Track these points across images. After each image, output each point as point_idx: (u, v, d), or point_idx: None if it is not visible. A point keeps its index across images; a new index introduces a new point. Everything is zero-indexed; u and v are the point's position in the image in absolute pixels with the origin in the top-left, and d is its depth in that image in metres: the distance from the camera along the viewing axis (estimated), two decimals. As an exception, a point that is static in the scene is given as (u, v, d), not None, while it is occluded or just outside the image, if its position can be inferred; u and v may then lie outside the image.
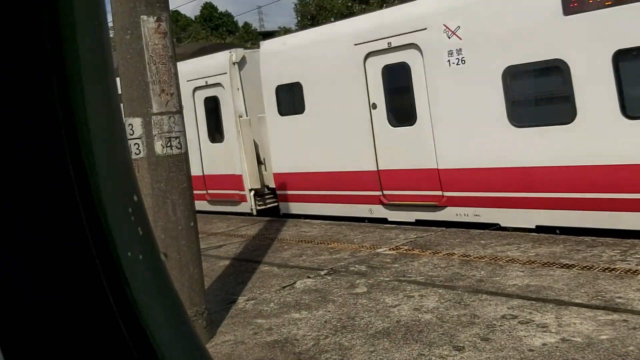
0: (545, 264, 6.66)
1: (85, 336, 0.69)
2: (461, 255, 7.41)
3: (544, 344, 4.55)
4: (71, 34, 0.68)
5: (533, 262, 6.76)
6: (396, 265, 7.29)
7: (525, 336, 4.74)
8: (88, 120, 0.69)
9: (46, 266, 0.68)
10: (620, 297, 5.34)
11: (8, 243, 0.67)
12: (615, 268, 6.21)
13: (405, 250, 8.01)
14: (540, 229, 8.26)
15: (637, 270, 6.07)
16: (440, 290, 6.11)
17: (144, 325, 0.71)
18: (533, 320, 5.04)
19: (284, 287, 6.93)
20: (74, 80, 0.69)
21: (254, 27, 54.65)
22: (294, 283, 7.03)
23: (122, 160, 0.76)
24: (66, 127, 0.68)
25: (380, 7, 28.37)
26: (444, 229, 9.09)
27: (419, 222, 9.61)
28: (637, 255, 6.59)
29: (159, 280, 0.77)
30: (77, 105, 0.68)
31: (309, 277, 7.19)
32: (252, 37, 45.45)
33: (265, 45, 11.95)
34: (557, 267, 6.46)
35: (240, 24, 53.47)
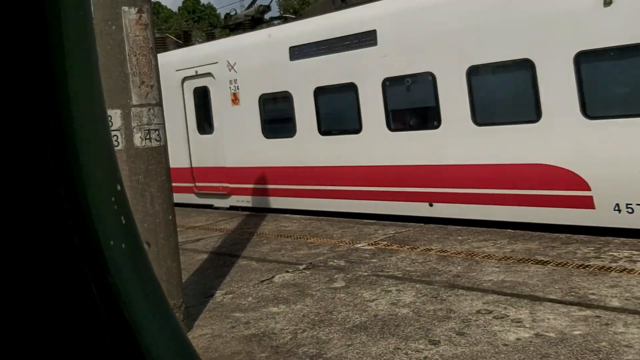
0: (521, 260, 6.75)
1: (72, 326, 0.70)
2: (438, 251, 7.48)
3: (518, 339, 4.62)
4: (57, 23, 0.68)
5: (509, 258, 6.85)
6: (374, 260, 7.33)
7: (500, 331, 4.81)
8: (72, 110, 0.69)
9: (46, 266, 0.68)
10: (593, 294, 5.44)
11: (8, 243, 0.67)
12: (589, 265, 6.32)
13: (384, 245, 8.06)
14: (274, 210, 11.81)
15: (611, 267, 6.19)
16: (418, 285, 6.16)
17: (126, 314, 0.72)
18: (508, 316, 5.12)
19: (262, 281, 6.93)
20: (59, 72, 0.69)
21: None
22: (273, 277, 7.03)
23: (104, 149, 0.76)
24: (51, 117, 0.68)
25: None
26: (422, 224, 9.16)
27: (231, 208, 12.76)
28: (610, 253, 6.72)
29: (142, 269, 0.78)
30: (62, 96, 0.68)
31: (287, 272, 7.20)
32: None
33: None
34: (532, 263, 6.56)
35: (222, 16, 53.08)
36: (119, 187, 0.77)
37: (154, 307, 0.78)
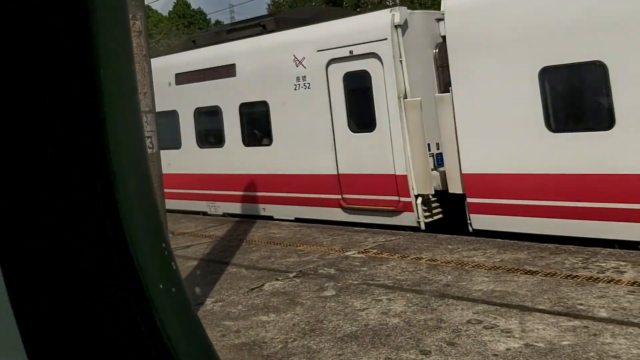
0: (510, 269, 6.80)
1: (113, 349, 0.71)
2: (429, 260, 7.51)
3: (507, 349, 4.65)
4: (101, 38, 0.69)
5: (498, 268, 6.89)
6: (365, 268, 7.35)
7: (490, 341, 4.84)
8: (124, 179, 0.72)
9: (46, 266, 0.69)
10: (581, 304, 5.49)
11: (8, 243, 0.67)
12: (577, 275, 6.38)
13: (374, 253, 8.08)
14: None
15: (598, 277, 6.25)
16: (408, 294, 6.18)
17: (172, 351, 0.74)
18: (497, 326, 5.15)
19: (252, 289, 6.92)
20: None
21: (226, 25, 54.32)
22: (263, 285, 7.03)
23: (151, 202, 0.80)
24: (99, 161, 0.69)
25: (355, 9, 28.52)
26: (412, 232, 9.20)
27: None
28: (598, 263, 6.78)
29: (188, 314, 0.80)
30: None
31: (277, 280, 7.20)
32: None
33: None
34: (521, 273, 6.61)
35: (213, 22, 53.10)
36: (168, 236, 0.81)
37: (196, 346, 0.80)
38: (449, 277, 6.70)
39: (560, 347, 4.60)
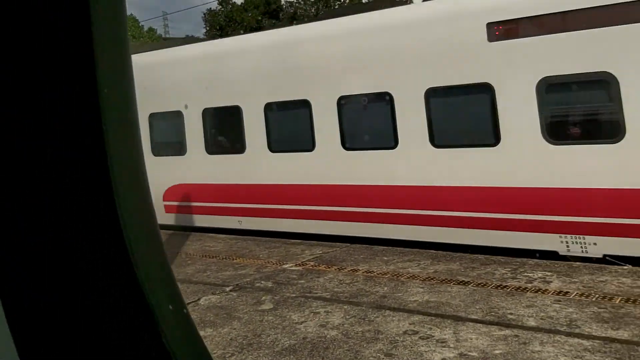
0: (444, 280, 6.97)
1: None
2: (365, 272, 7.60)
3: (443, 359, 4.75)
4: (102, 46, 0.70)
5: (432, 279, 7.05)
6: (302, 281, 7.34)
7: (425, 351, 4.93)
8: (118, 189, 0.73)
9: (46, 266, 0.69)
10: (511, 313, 5.69)
11: (8, 243, 0.67)
12: (507, 285, 6.62)
13: (311, 266, 8.10)
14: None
15: (527, 287, 6.50)
16: (346, 307, 6.22)
17: None
18: (433, 336, 5.26)
19: (188, 303, 6.77)
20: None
21: (159, 33, 53.48)
22: (198, 299, 6.89)
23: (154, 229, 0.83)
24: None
25: (290, 23, 28.68)
26: (348, 244, 9.28)
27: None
28: (526, 274, 7.06)
29: (184, 315, 0.83)
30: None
31: (213, 294, 7.08)
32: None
33: None
34: (454, 284, 6.79)
35: (146, 29, 52.02)
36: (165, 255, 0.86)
37: (193, 346, 0.82)
38: (386, 288, 6.80)
39: (493, 356, 4.74)
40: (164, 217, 11.77)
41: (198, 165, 11.61)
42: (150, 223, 0.80)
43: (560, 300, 5.99)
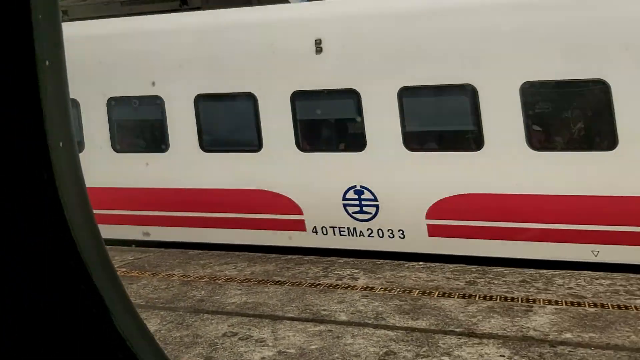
0: (260, 281, 7.12)
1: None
2: (181, 276, 7.46)
3: (262, 358, 4.87)
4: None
5: (249, 280, 7.16)
6: (113, 288, 6.98)
7: (245, 352, 5.00)
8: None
9: (46, 266, 0.69)
10: (325, 310, 6.02)
11: (8, 243, 0.66)
12: (319, 283, 6.97)
13: (123, 272, 7.73)
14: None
15: (337, 284, 6.91)
16: (162, 312, 6.06)
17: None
18: (252, 336, 5.35)
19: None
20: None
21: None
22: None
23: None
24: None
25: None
26: (162, 249, 9.03)
27: None
28: (336, 272, 7.50)
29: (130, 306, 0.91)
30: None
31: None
32: None
33: None
34: (270, 284, 6.97)
35: None
36: None
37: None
38: (203, 292, 6.75)
39: (310, 351, 4.97)
40: None
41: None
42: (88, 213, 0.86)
43: (367, 295, 6.47)
